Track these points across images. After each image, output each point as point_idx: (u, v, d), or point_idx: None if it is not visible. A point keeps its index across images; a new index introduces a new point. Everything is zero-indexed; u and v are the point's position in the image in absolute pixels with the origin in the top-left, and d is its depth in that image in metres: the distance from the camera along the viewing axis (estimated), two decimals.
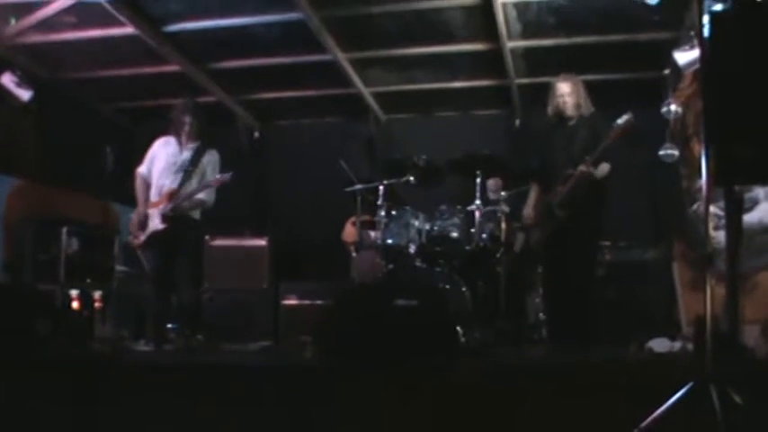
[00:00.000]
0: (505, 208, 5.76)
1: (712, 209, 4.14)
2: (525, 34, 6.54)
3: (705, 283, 2.82)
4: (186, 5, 6.23)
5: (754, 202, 4.90)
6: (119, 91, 7.82)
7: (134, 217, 5.62)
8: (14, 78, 6.52)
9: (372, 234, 6.16)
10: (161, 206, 5.50)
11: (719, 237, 4.63)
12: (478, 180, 5.66)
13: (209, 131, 5.76)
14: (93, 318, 6.17)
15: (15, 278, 6.09)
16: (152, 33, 6.52)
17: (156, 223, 5.48)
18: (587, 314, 4.95)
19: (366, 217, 6.30)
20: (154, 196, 5.59)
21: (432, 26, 6.45)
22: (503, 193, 5.88)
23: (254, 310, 6.67)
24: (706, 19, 2.87)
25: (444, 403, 3.28)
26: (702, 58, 3.04)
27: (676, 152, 5.76)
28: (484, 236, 5.66)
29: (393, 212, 5.76)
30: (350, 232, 6.91)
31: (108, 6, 6.02)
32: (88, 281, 6.32)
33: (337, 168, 6.41)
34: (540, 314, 5.88)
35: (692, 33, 5.31)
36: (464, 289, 5.34)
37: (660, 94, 6.51)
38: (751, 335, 4.26)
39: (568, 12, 6.15)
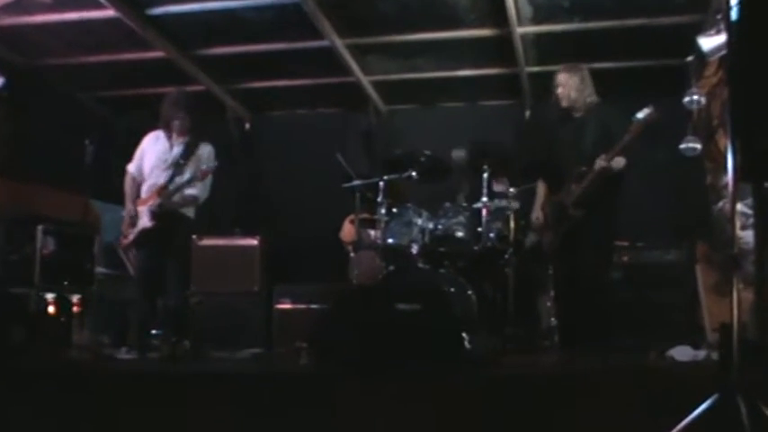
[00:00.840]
0: (514, 205, 5.75)
1: (739, 207, 4.13)
2: (536, 19, 6.52)
3: (731, 286, 2.79)
4: None
5: None
6: (99, 79, 7.80)
7: (125, 216, 5.69)
8: None
9: (372, 233, 6.16)
10: (150, 203, 5.55)
11: (747, 237, 4.62)
12: (485, 175, 5.65)
13: (201, 125, 5.79)
14: (70, 323, 6.15)
15: None
16: (134, 16, 6.50)
17: (144, 221, 5.55)
18: (603, 319, 4.95)
19: (365, 215, 6.30)
20: (146, 192, 5.66)
21: (436, 10, 6.43)
22: (511, 190, 5.87)
23: (245, 314, 6.67)
24: (733, 1, 2.84)
25: (448, 414, 3.28)
26: (729, 43, 3.01)
27: (699, 146, 5.75)
28: (491, 235, 5.66)
29: (394, 210, 5.75)
30: (348, 231, 6.90)
31: None
32: (65, 283, 6.30)
33: (334, 163, 6.39)
34: (552, 319, 5.87)
35: (718, 17, 5.30)
36: (470, 292, 5.33)
37: (682, 82, 6.49)
38: None
39: None
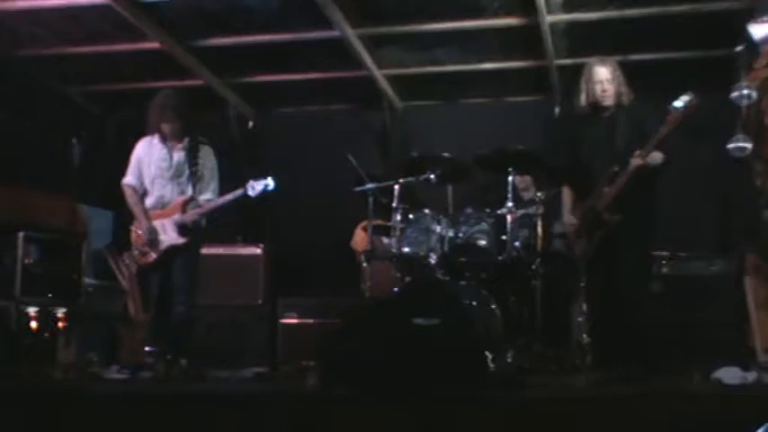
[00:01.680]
0: (541, 211, 5.72)
1: None
2: (567, 6, 6.50)
3: None
4: None
5: None
6: (88, 72, 7.82)
7: (139, 232, 5.74)
8: None
9: (386, 241, 6.14)
10: (174, 216, 5.66)
11: None
12: (511, 179, 5.61)
13: (193, 123, 5.83)
14: (55, 340, 6.16)
15: None
16: (127, 4, 6.50)
17: (172, 236, 5.65)
18: (641, 337, 4.94)
19: (379, 221, 6.26)
20: (152, 206, 5.74)
21: None
22: (539, 194, 5.84)
23: (247, 330, 6.67)
24: None
25: None
26: None
27: (749, 145, 5.67)
28: (517, 244, 5.63)
29: (410, 216, 5.71)
30: (360, 239, 6.89)
31: None
32: (50, 296, 6.32)
33: (345, 164, 6.38)
34: (585, 336, 5.80)
35: None
36: (494, 306, 5.28)
37: (731, 75, 6.43)
38: None
39: None
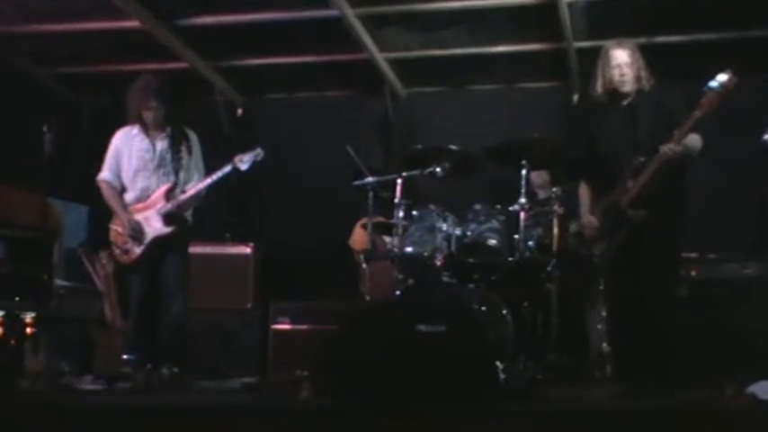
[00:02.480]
0: (559, 208, 5.71)
1: None
2: None
3: None
4: None
5: None
6: (60, 52, 7.82)
7: (119, 229, 5.77)
8: None
9: (388, 240, 6.14)
10: (158, 207, 5.70)
11: None
12: (524, 172, 5.61)
13: (176, 109, 5.86)
14: (23, 347, 6.15)
15: None
16: None
17: (157, 227, 5.68)
18: (667, 346, 4.93)
19: (380, 218, 6.27)
20: (135, 200, 5.78)
21: None
22: (554, 190, 5.84)
23: (234, 336, 6.69)
24: None
25: None
26: None
27: None
28: (530, 243, 5.65)
29: (414, 213, 5.73)
30: (359, 238, 6.89)
31: None
32: (17, 299, 6.30)
33: (343, 156, 6.37)
34: (605, 345, 5.83)
35: None
36: (505, 311, 5.28)
37: None
38: None
39: None
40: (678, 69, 5.22)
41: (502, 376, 4.56)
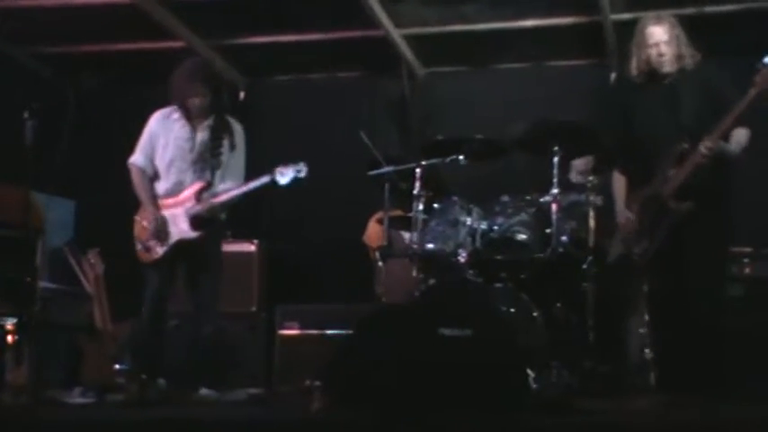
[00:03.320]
0: (597, 199, 5.71)
1: None
2: None
3: None
4: None
5: None
6: (43, 30, 7.82)
7: (144, 223, 5.74)
8: None
9: (406, 236, 6.14)
10: (187, 206, 5.65)
11: None
12: (556, 159, 5.61)
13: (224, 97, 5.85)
14: (3, 357, 6.18)
15: None
16: None
17: (183, 229, 5.63)
18: (716, 352, 4.90)
19: (397, 212, 6.28)
20: (166, 193, 5.74)
21: None
22: (590, 178, 5.83)
23: (238, 342, 6.68)
24: None
25: None
26: None
27: None
28: (564, 238, 5.66)
29: (435, 205, 5.76)
30: (374, 233, 6.90)
31: None
32: None
33: (357, 143, 6.38)
34: (647, 351, 5.82)
35: None
36: (536, 314, 5.34)
37: None
38: None
39: None
40: (730, 43, 5.17)
41: (533, 385, 4.59)
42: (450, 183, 6.18)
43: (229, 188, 5.69)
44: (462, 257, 5.57)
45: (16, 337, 6.25)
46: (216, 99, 5.74)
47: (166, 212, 5.68)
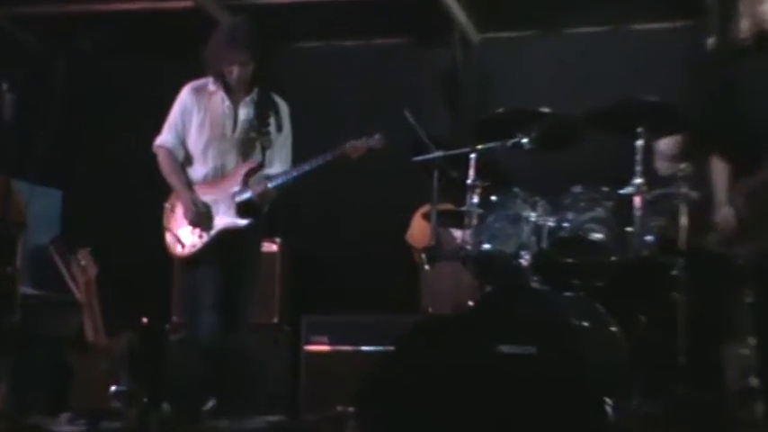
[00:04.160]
0: (691, 192, 5.69)
1: None
2: None
3: None
4: None
5: None
6: None
7: (175, 211, 5.81)
8: None
9: (458, 234, 6.15)
10: (233, 191, 5.70)
11: None
12: (640, 143, 5.59)
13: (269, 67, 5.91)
14: None
15: None
16: None
17: (228, 216, 5.68)
18: None
19: (447, 206, 6.28)
20: (203, 179, 5.80)
21: None
22: (682, 167, 5.80)
23: (257, 359, 6.70)
24: None
25: None
26: None
27: None
28: (649, 238, 5.62)
29: (493, 198, 5.74)
30: (420, 231, 6.91)
31: None
32: None
33: (400, 123, 6.39)
34: (752, 378, 5.79)
35: None
36: (614, 329, 5.30)
37: None
38: None
39: None
40: None
41: (610, 414, 4.57)
42: (510, 171, 6.18)
43: (281, 170, 5.76)
44: (525, 260, 5.56)
45: None
46: (260, 69, 5.78)
47: (208, 198, 5.72)
